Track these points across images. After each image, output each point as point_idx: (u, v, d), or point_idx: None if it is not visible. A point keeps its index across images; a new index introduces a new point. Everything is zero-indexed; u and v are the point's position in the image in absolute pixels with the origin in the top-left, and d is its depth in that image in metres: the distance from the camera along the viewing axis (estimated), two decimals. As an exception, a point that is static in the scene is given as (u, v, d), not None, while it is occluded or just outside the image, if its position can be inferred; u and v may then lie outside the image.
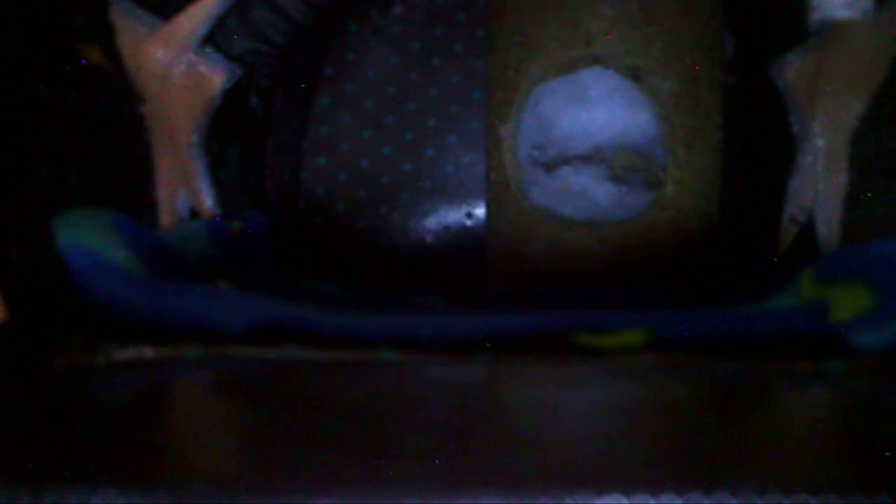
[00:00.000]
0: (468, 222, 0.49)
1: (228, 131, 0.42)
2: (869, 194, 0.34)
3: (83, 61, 0.34)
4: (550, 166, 0.41)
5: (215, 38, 0.40)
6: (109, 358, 0.25)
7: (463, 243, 0.49)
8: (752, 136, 0.43)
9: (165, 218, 0.39)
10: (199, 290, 0.30)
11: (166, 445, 0.17)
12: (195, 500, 0.14)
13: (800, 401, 0.22)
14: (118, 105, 0.37)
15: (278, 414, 0.19)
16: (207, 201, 0.41)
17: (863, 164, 0.34)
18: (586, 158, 0.40)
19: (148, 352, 0.25)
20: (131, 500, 0.14)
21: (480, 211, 0.49)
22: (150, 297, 0.28)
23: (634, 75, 0.39)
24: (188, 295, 0.29)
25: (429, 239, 0.49)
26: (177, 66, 0.39)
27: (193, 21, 0.39)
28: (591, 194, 0.41)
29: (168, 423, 0.19)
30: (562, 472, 0.15)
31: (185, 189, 0.40)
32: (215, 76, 0.40)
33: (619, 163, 0.40)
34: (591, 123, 0.40)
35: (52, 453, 0.16)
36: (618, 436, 0.18)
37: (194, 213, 0.41)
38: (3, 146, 0.28)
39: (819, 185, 0.36)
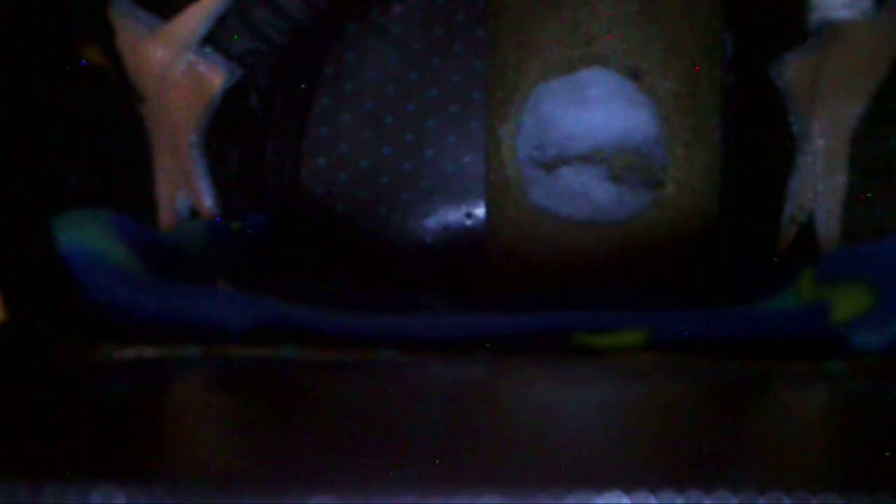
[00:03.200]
0: (468, 222, 0.49)
1: (228, 131, 0.42)
2: (869, 194, 0.34)
3: (83, 61, 0.34)
4: (550, 166, 0.41)
5: (215, 38, 0.40)
6: (109, 357, 0.25)
7: (463, 243, 0.49)
8: (752, 137, 0.43)
9: (165, 218, 0.39)
10: (198, 289, 0.30)
11: (166, 443, 0.17)
12: (195, 497, 0.14)
13: (800, 400, 0.22)
14: (118, 105, 0.37)
15: (278, 413, 0.19)
16: (207, 201, 0.41)
17: (862, 164, 0.34)
18: (586, 158, 0.40)
19: (148, 352, 0.25)
20: (131, 497, 0.14)
21: (480, 211, 0.49)
22: (150, 297, 0.28)
23: (634, 75, 0.39)
24: (188, 294, 0.29)
25: (429, 239, 0.49)
26: (176, 66, 0.39)
27: (193, 21, 0.39)
28: (590, 194, 0.41)
29: (168, 421, 0.19)
30: (562, 470, 0.15)
31: (185, 189, 0.40)
32: (215, 76, 0.40)
33: (619, 163, 0.40)
34: (590, 123, 0.40)
35: (51, 451, 0.16)
36: (618, 434, 0.18)
37: (194, 213, 0.41)
38: (3, 146, 0.28)
39: (819, 185, 0.36)
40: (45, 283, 0.27)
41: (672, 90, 0.40)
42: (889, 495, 0.14)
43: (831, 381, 0.24)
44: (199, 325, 0.27)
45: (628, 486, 0.14)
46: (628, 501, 0.14)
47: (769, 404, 0.22)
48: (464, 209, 0.49)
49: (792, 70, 0.38)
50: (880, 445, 0.17)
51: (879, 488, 0.14)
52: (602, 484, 0.14)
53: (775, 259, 0.39)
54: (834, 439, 0.19)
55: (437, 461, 0.15)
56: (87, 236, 0.29)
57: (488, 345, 0.28)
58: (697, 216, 0.41)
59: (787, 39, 0.38)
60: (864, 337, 0.26)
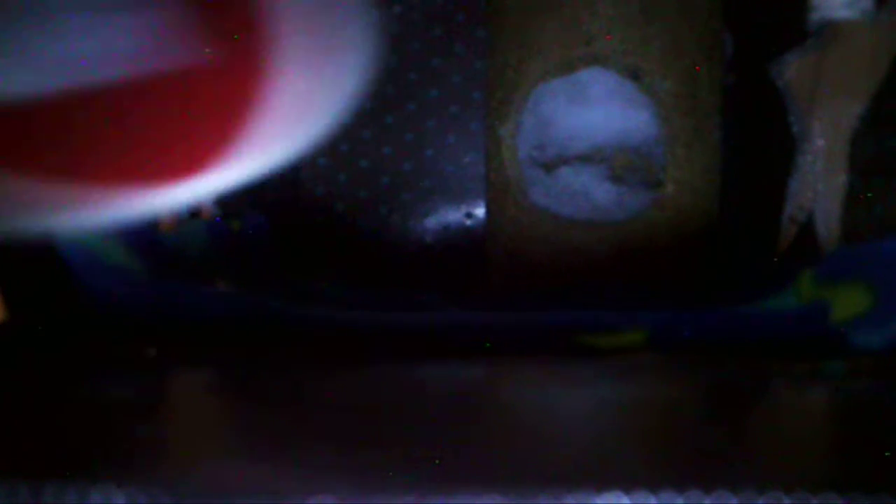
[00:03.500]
0: (468, 222, 0.49)
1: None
2: (869, 194, 0.34)
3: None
4: (550, 166, 0.41)
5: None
6: (109, 358, 0.25)
7: (463, 243, 0.49)
8: (752, 136, 0.43)
9: (165, 218, 0.39)
10: (198, 289, 0.30)
11: (165, 443, 0.17)
12: (193, 497, 0.14)
13: (799, 400, 0.22)
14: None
15: (277, 412, 0.19)
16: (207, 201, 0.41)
17: (862, 164, 0.34)
18: (586, 158, 0.40)
19: (149, 351, 0.25)
20: (130, 497, 0.14)
21: (480, 211, 0.49)
22: (150, 296, 0.28)
23: (634, 75, 0.39)
24: (188, 294, 0.29)
25: (429, 239, 0.49)
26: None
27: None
28: (590, 194, 0.41)
29: (167, 420, 0.19)
30: (562, 469, 0.15)
31: (185, 189, 0.40)
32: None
33: (619, 163, 0.40)
34: (590, 123, 0.40)
35: (52, 449, 0.16)
36: (618, 434, 0.18)
37: (194, 214, 0.41)
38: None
39: (818, 184, 0.36)
40: (46, 283, 0.27)
41: (672, 90, 0.40)
42: (889, 495, 0.14)
43: (831, 381, 0.24)
44: (199, 324, 0.27)
45: (628, 486, 0.14)
46: (628, 501, 0.14)
47: (769, 404, 0.22)
48: (464, 209, 0.49)
49: (792, 70, 0.38)
50: (880, 445, 0.17)
51: (879, 488, 0.14)
52: (602, 483, 0.14)
53: (775, 259, 0.39)
54: (834, 439, 0.19)
55: (437, 461, 0.15)
56: (86, 239, 0.29)
57: (488, 345, 0.28)
58: (697, 216, 0.41)
59: (786, 39, 0.38)
60: (863, 337, 0.26)
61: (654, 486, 0.14)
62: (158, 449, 0.16)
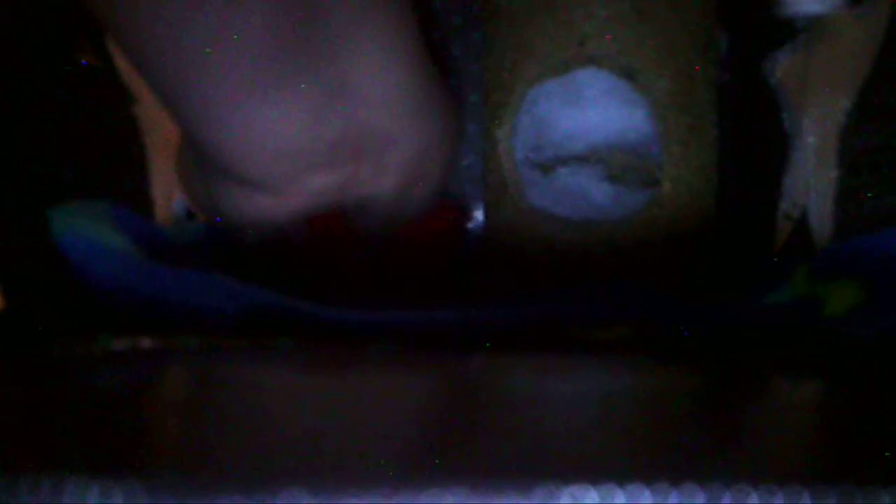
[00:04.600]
0: (467, 223, 0.49)
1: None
2: (866, 192, 0.34)
3: (83, 62, 0.34)
4: (547, 167, 0.41)
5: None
6: (106, 348, 0.25)
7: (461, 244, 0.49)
8: (747, 134, 0.43)
9: (162, 218, 0.39)
10: (194, 274, 0.30)
11: (162, 437, 0.17)
12: (190, 493, 0.14)
13: (794, 394, 0.23)
14: (114, 105, 0.37)
15: (272, 407, 0.19)
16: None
17: (851, 160, 0.34)
18: (583, 159, 0.40)
19: (144, 342, 0.25)
20: (126, 492, 0.14)
21: (478, 212, 0.49)
22: (147, 281, 0.28)
23: (629, 75, 0.40)
24: (183, 279, 0.28)
25: (427, 240, 0.49)
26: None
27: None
28: (588, 194, 0.41)
29: (164, 414, 0.19)
30: (555, 463, 0.15)
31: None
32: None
33: (616, 162, 0.40)
34: (586, 124, 0.40)
35: (48, 443, 0.16)
36: (612, 427, 0.18)
37: (191, 214, 0.41)
38: (1, 143, 0.29)
39: (811, 181, 0.36)
40: (42, 272, 0.27)
41: (667, 89, 0.40)
42: (884, 490, 0.14)
43: (826, 375, 0.24)
44: (193, 309, 0.27)
45: (622, 479, 0.14)
46: (622, 495, 0.14)
47: (763, 397, 0.22)
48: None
49: (782, 67, 0.38)
50: (873, 440, 0.17)
51: (873, 482, 0.14)
52: (596, 476, 0.14)
53: (772, 257, 0.39)
54: (827, 434, 0.19)
55: (437, 462, 0.15)
56: (82, 225, 0.29)
57: (488, 345, 0.28)
58: (694, 214, 0.41)
59: (778, 37, 0.38)
60: (856, 330, 0.26)
61: (648, 479, 0.14)
62: (154, 441, 0.16)
